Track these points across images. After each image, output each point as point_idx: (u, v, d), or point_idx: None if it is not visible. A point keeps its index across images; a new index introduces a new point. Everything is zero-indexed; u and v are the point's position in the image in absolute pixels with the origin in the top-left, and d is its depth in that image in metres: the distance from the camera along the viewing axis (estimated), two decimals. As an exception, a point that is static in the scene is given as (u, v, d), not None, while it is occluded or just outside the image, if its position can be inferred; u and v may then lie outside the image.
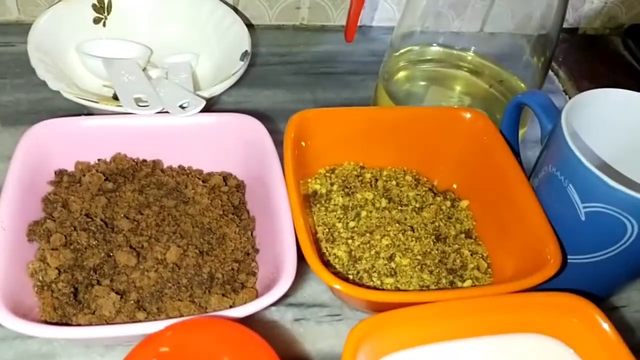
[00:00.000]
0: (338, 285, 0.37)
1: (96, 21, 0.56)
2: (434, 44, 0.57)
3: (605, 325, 0.37)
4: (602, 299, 0.47)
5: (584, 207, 0.40)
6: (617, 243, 0.40)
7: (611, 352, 0.36)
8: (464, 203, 0.49)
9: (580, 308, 0.38)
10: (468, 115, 0.48)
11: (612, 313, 0.47)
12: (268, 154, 0.43)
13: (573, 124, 0.43)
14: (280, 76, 0.62)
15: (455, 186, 0.50)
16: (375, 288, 0.41)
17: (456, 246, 0.45)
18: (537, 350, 0.38)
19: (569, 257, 0.43)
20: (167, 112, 0.43)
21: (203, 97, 0.46)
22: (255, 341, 0.28)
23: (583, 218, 0.40)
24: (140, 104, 0.44)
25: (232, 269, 0.38)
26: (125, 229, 0.39)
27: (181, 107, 0.44)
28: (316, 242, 0.44)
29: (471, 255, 0.45)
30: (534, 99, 0.46)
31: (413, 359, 0.36)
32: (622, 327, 0.46)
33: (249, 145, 0.44)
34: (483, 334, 0.38)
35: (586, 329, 0.37)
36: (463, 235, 0.46)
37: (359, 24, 0.56)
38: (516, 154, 0.49)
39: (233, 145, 0.44)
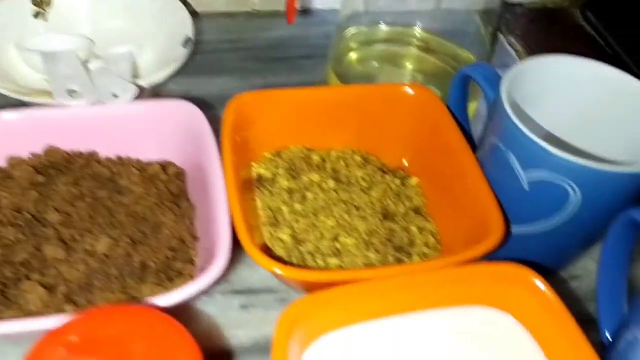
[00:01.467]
0: (276, 267, 0.36)
1: (36, 15, 0.55)
2: (381, 23, 0.56)
3: (550, 294, 0.36)
4: (555, 270, 0.47)
5: (527, 177, 0.39)
6: (561, 211, 0.39)
7: (557, 321, 0.35)
8: (414, 180, 0.48)
9: (523, 277, 0.37)
10: (411, 91, 0.47)
11: (567, 283, 0.47)
12: (206, 140, 0.42)
13: (518, 94, 0.43)
14: (230, 63, 0.61)
15: (405, 164, 0.49)
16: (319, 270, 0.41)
17: (404, 223, 0.44)
18: (482, 322, 0.37)
19: (516, 228, 0.42)
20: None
21: (142, 86, 0.45)
22: (173, 327, 0.27)
23: (526, 188, 0.39)
24: (74, 95, 0.43)
25: (167, 257, 0.37)
26: (55, 222, 0.38)
27: (115, 96, 0.43)
28: (260, 228, 0.43)
29: (419, 232, 0.44)
30: (478, 70, 0.45)
31: (352, 337, 0.35)
32: (579, 297, 0.46)
33: (187, 132, 0.43)
34: (426, 308, 0.37)
35: (531, 298, 0.37)
36: (412, 213, 0.45)
37: (312, 7, 0.55)
38: (464, 128, 0.48)
39: (171, 133, 0.43)
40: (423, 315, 0.37)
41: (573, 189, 0.38)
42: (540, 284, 0.36)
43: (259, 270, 0.44)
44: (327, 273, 0.38)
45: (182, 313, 0.41)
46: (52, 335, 0.26)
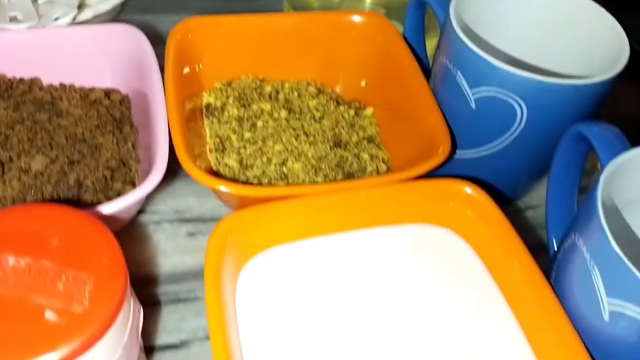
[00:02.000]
0: (219, 185, 0.35)
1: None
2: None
3: (490, 206, 0.36)
4: (512, 200, 0.46)
5: (473, 94, 0.38)
6: (509, 130, 0.38)
7: (497, 232, 0.35)
8: (369, 111, 0.47)
9: (462, 191, 0.36)
10: (364, 19, 0.46)
11: (523, 213, 0.46)
12: (150, 67, 0.41)
13: (470, 17, 0.42)
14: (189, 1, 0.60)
15: (360, 94, 0.48)
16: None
17: (356, 151, 0.44)
18: (424, 239, 0.36)
19: (466, 152, 0.41)
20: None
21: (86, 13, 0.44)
22: (92, 225, 0.27)
23: (474, 106, 0.39)
24: (15, 22, 0.42)
25: (105, 177, 0.37)
26: (-8, 142, 0.37)
27: (57, 19, 0.42)
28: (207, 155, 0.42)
29: (371, 158, 0.43)
30: (429, -8, 0.44)
31: (291, 254, 0.35)
32: (534, 225, 0.45)
33: (132, 59, 0.42)
34: (368, 226, 0.36)
35: (471, 213, 0.36)
36: (365, 142, 0.45)
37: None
38: (419, 56, 0.48)
39: (115, 58, 0.42)
40: (365, 233, 0.36)
41: (519, 104, 0.37)
42: (479, 196, 0.36)
43: (209, 200, 0.44)
44: (269, 189, 0.38)
45: (128, 237, 0.41)
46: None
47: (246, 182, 0.40)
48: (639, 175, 0.32)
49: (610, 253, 0.27)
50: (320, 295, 0.33)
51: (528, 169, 0.42)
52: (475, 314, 0.33)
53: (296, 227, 0.35)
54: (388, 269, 0.35)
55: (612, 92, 0.38)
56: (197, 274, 0.40)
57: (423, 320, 0.33)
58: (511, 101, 0.37)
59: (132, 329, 0.28)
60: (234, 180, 0.40)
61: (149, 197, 0.43)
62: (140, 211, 0.43)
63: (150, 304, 0.38)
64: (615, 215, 0.33)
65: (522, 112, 0.37)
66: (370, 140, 0.45)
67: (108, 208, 0.32)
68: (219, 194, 0.38)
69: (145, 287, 0.39)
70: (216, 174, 0.41)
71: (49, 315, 0.24)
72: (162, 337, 0.37)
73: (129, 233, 0.42)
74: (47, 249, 0.26)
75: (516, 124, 0.38)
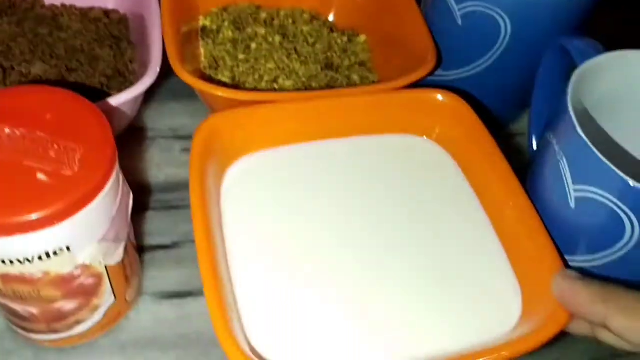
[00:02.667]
0: (201, 85, 0.36)
1: None
2: None
3: (474, 119, 0.37)
4: (504, 125, 0.47)
5: (460, 10, 0.39)
6: (494, 46, 0.39)
7: (478, 144, 0.36)
8: (362, 38, 0.48)
9: (448, 102, 0.37)
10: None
11: (514, 138, 0.47)
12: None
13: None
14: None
15: (354, 22, 0.49)
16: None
17: (347, 73, 0.45)
18: (404, 147, 0.38)
19: (454, 71, 0.42)
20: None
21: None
22: (84, 105, 0.28)
23: (460, 22, 0.40)
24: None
25: (101, 83, 0.38)
26: (-5, 52, 0.39)
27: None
28: (201, 73, 0.43)
29: (361, 80, 0.45)
30: None
31: (276, 158, 0.36)
32: (522, 150, 0.46)
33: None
34: (353, 134, 0.38)
35: (456, 125, 0.37)
36: (357, 66, 0.46)
37: None
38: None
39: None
40: (349, 141, 0.37)
41: (503, 19, 0.38)
42: (463, 108, 0.37)
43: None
44: (254, 93, 0.39)
45: (125, 149, 0.43)
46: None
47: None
48: (606, 78, 0.33)
49: (575, 139, 0.29)
50: (301, 198, 0.35)
51: (515, 87, 0.43)
52: (449, 212, 0.34)
53: (281, 132, 0.36)
54: (368, 174, 0.36)
55: (594, 10, 0.39)
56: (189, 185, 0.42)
57: (400, 220, 0.34)
58: (496, 16, 0.38)
59: (121, 206, 0.29)
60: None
61: (146, 116, 0.45)
62: (137, 128, 0.44)
63: (145, 209, 0.40)
64: (585, 118, 0.34)
65: (506, 26, 0.38)
66: (361, 64, 0.46)
67: (102, 104, 0.34)
68: (208, 102, 0.40)
69: (140, 195, 0.41)
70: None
71: (41, 176, 0.26)
72: (155, 239, 0.39)
73: (125, 146, 0.43)
74: (41, 122, 0.27)
75: (501, 39, 0.39)
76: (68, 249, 0.27)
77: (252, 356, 0.26)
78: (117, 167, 0.28)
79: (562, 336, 0.30)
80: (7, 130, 0.27)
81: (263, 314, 0.30)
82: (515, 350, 0.27)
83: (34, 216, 0.25)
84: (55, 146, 0.26)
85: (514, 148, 0.46)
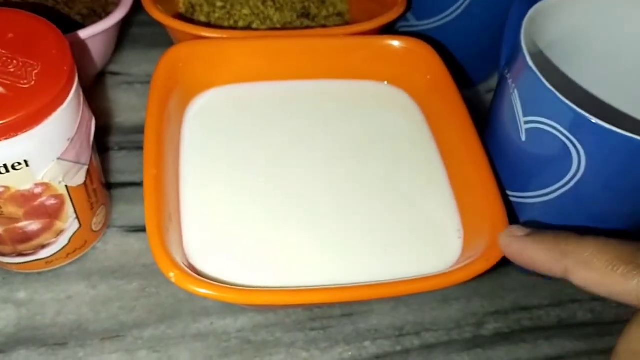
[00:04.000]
0: (167, 19, 0.37)
1: None
2: None
3: (442, 69, 0.37)
4: (475, 83, 0.48)
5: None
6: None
7: (446, 97, 0.36)
8: (341, -11, 0.48)
9: (418, 51, 0.38)
10: None
11: (483, 95, 0.48)
12: None
13: None
14: None
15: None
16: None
17: (323, 22, 0.45)
18: (368, 93, 0.38)
19: (424, 21, 0.43)
20: None
21: None
22: (44, 24, 0.29)
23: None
24: None
25: (76, 21, 0.39)
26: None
27: None
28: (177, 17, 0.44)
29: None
30: None
31: (239, 94, 0.37)
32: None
33: None
34: (320, 77, 0.38)
35: (423, 74, 0.38)
36: (334, 16, 0.46)
37: None
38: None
39: None
40: (313, 83, 0.38)
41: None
42: (429, 53, 0.38)
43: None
44: (223, 31, 0.39)
45: (101, 92, 0.44)
46: None
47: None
48: (563, 18, 0.33)
49: (525, 71, 0.29)
50: (260, 134, 0.35)
51: (485, 37, 0.43)
52: (405, 151, 0.35)
53: (245, 68, 0.37)
54: (327, 115, 0.37)
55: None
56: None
57: (355, 156, 0.35)
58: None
59: (82, 128, 0.30)
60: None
61: (124, 62, 0.46)
62: (115, 73, 0.45)
63: (118, 149, 0.41)
64: (540, 56, 0.34)
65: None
66: (339, 15, 0.47)
67: (72, 35, 0.34)
68: (179, 40, 0.40)
69: (115, 135, 0.42)
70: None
71: (-1, 89, 0.26)
72: (126, 176, 0.40)
73: (103, 90, 0.44)
74: (2, 41, 0.28)
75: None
76: (26, 163, 0.28)
77: (188, 270, 0.27)
78: (75, 86, 0.29)
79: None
80: (-32, 46, 0.28)
81: (209, 237, 0.31)
82: (444, 281, 0.28)
83: (-9, 126, 0.26)
84: (15, 62, 0.27)
85: (482, 104, 0.47)
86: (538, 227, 0.33)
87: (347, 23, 0.46)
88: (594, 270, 0.25)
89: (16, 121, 0.26)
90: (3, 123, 0.26)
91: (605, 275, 0.24)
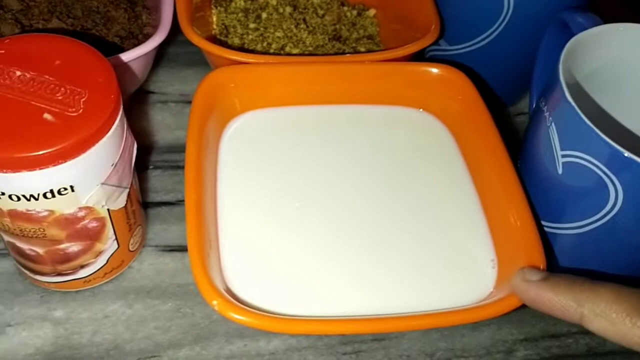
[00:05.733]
0: (207, 45, 0.38)
1: None
2: None
3: (476, 98, 0.37)
4: (505, 104, 0.48)
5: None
6: (497, 20, 0.40)
7: (479, 125, 0.37)
8: (371, 12, 0.49)
9: (452, 78, 0.38)
10: None
11: (513, 118, 0.48)
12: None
13: None
14: None
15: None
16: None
17: (354, 45, 0.46)
18: (402, 119, 0.39)
19: (456, 46, 0.43)
20: None
21: None
22: (90, 51, 0.30)
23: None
24: None
25: (115, 43, 0.40)
26: (15, 10, 0.40)
27: None
28: (212, 39, 0.45)
29: (369, 52, 0.45)
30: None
31: (273, 118, 0.37)
32: (520, 130, 0.47)
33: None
34: (354, 102, 0.39)
35: (455, 99, 0.38)
36: (365, 39, 0.47)
37: None
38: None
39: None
40: (347, 108, 0.39)
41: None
42: (462, 81, 0.38)
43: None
44: (259, 56, 0.40)
45: (137, 111, 0.44)
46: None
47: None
48: (600, 50, 0.34)
49: (564, 104, 0.29)
50: (295, 158, 0.36)
51: (517, 63, 0.43)
52: (438, 181, 0.36)
53: (280, 93, 0.37)
54: (362, 141, 0.37)
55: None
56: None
57: (388, 184, 0.35)
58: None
59: (124, 153, 0.31)
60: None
61: (158, 81, 0.47)
62: (150, 92, 0.46)
63: (153, 168, 0.42)
64: (576, 88, 0.34)
65: (509, 1, 0.39)
66: (369, 37, 0.47)
67: (114, 58, 0.35)
68: (216, 66, 0.41)
69: (150, 154, 0.42)
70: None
71: (48, 117, 0.27)
72: (161, 196, 0.40)
73: (138, 108, 0.45)
74: (50, 67, 0.29)
75: (504, 13, 0.39)
76: (72, 188, 0.28)
77: (229, 297, 0.27)
78: (121, 113, 0.29)
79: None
80: (18, 73, 0.28)
81: (246, 263, 0.31)
82: (477, 315, 0.28)
83: (40, 153, 0.26)
84: (62, 89, 0.28)
85: (514, 127, 0.47)
86: (571, 257, 0.34)
87: (377, 45, 0.46)
88: (610, 321, 0.25)
89: (64, 149, 0.27)
90: (51, 151, 0.26)
91: (622, 326, 0.25)
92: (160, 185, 0.41)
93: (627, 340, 0.25)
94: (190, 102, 0.45)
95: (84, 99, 0.28)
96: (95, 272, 0.34)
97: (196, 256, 0.27)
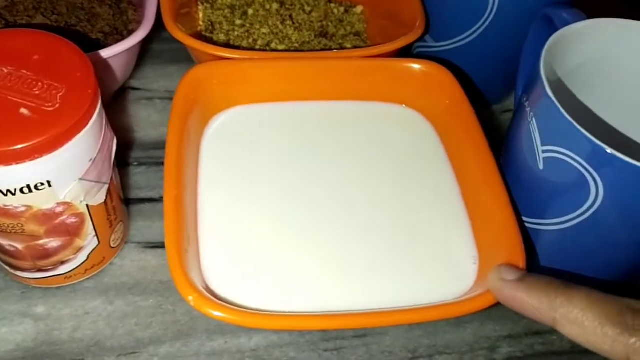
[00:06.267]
0: (189, 40, 0.38)
1: None
2: None
3: (458, 92, 0.37)
4: (490, 103, 0.48)
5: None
6: (482, 17, 0.40)
7: (463, 121, 0.36)
8: (358, 9, 0.49)
9: (437, 75, 0.38)
10: None
11: (497, 115, 0.48)
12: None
13: None
14: None
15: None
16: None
17: (340, 42, 0.46)
18: (386, 115, 0.38)
19: (442, 42, 0.43)
20: None
21: None
22: (69, 46, 0.29)
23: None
24: None
25: (99, 39, 0.40)
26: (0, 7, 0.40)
27: None
28: (197, 35, 0.45)
29: (354, 48, 0.45)
30: None
31: (257, 114, 0.37)
32: (505, 127, 0.47)
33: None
34: (337, 98, 0.39)
35: (441, 97, 0.38)
36: (352, 35, 0.47)
37: None
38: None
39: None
40: (331, 104, 0.38)
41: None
42: (446, 77, 0.38)
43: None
44: (243, 52, 0.39)
45: (121, 108, 0.44)
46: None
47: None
48: (582, 46, 0.34)
49: (544, 100, 0.29)
50: (278, 154, 0.36)
51: (502, 60, 0.43)
52: (421, 176, 0.35)
53: (264, 89, 0.37)
54: (345, 137, 0.37)
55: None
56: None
57: (371, 179, 0.35)
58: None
59: (104, 148, 0.30)
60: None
61: (143, 78, 0.46)
62: (135, 89, 0.46)
63: (137, 164, 0.41)
64: (559, 84, 0.34)
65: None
66: (356, 34, 0.47)
67: (95, 54, 0.35)
68: (199, 59, 0.41)
69: (134, 150, 0.42)
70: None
71: (24, 111, 0.27)
72: (144, 192, 0.40)
73: (123, 105, 0.45)
74: (27, 62, 0.29)
75: (489, 9, 0.39)
76: (49, 183, 0.28)
77: (206, 293, 0.27)
78: (99, 108, 0.29)
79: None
80: (-5, 68, 0.28)
81: (226, 259, 0.31)
82: (458, 310, 0.28)
83: (16, 148, 0.26)
84: (40, 84, 0.28)
85: (498, 125, 0.47)
86: (552, 254, 0.33)
87: (364, 42, 0.46)
88: (583, 327, 0.25)
89: (40, 144, 0.27)
90: (28, 145, 0.26)
91: (594, 334, 0.25)
92: (144, 182, 0.41)
93: (598, 347, 0.25)
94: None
95: (60, 94, 0.28)
96: (76, 268, 0.34)
97: (174, 252, 0.27)
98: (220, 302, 0.27)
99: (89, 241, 0.33)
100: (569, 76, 0.34)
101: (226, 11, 0.46)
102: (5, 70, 0.28)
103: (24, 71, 0.28)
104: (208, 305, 0.26)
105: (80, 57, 0.29)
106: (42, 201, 0.29)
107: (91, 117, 0.28)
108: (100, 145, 0.30)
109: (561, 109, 0.28)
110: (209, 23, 0.45)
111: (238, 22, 0.45)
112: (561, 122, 0.28)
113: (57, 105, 0.27)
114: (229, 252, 0.31)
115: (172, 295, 0.35)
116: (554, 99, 0.29)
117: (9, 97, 0.27)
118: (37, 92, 0.28)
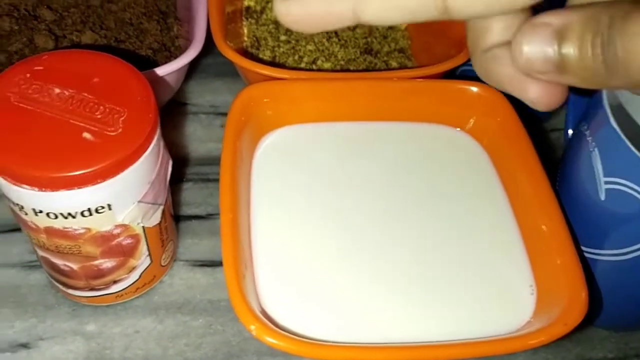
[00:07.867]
0: (240, 60, 0.38)
1: None
2: None
3: (512, 115, 0.37)
4: (540, 120, 0.47)
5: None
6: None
7: (515, 145, 0.36)
8: (402, 25, 0.48)
9: (489, 98, 0.37)
10: None
11: (548, 134, 0.47)
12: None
13: None
14: None
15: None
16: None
17: (385, 59, 0.45)
18: (437, 138, 0.38)
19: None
20: None
21: None
22: (130, 70, 0.29)
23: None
24: None
25: (148, 55, 0.40)
26: (48, 20, 0.40)
27: None
28: (243, 51, 0.45)
29: (399, 66, 0.45)
30: None
31: (307, 134, 0.37)
32: (555, 146, 0.46)
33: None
34: (387, 119, 0.38)
35: (492, 120, 0.37)
36: (396, 52, 0.46)
37: None
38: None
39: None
40: (382, 125, 0.38)
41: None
42: (499, 100, 0.37)
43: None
44: (293, 72, 0.39)
45: (168, 123, 0.44)
46: (21, 64, 0.29)
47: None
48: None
49: (608, 130, 0.29)
50: (329, 175, 0.36)
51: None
52: (474, 203, 0.35)
53: (315, 108, 0.37)
54: (396, 159, 0.37)
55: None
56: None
57: (424, 206, 0.35)
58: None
59: (161, 171, 0.31)
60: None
61: (189, 92, 0.46)
62: (181, 103, 0.46)
63: (183, 181, 0.42)
64: (620, 112, 0.34)
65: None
66: (401, 51, 0.47)
67: (148, 73, 0.35)
68: (249, 80, 0.41)
69: (180, 167, 0.42)
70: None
71: (87, 135, 0.27)
72: (191, 209, 0.40)
73: (168, 120, 0.45)
74: (88, 85, 0.29)
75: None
76: (109, 207, 0.28)
77: (264, 318, 0.27)
78: (158, 132, 0.29)
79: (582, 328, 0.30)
80: (57, 90, 0.28)
81: (280, 283, 0.31)
82: (519, 345, 0.28)
83: (80, 173, 0.26)
84: (101, 108, 0.28)
85: (549, 144, 0.46)
86: (607, 283, 0.33)
87: (409, 59, 0.46)
88: None
89: (103, 169, 0.27)
90: (91, 171, 0.26)
91: None
92: (191, 199, 0.41)
93: None
94: (221, 113, 0.46)
95: (122, 118, 0.28)
96: (128, 287, 0.34)
97: (233, 280, 0.27)
98: (280, 331, 0.26)
99: (142, 261, 0.33)
100: (630, 102, 0.34)
101: (271, 27, 0.46)
102: (67, 93, 0.28)
103: (85, 94, 0.28)
104: (269, 335, 0.26)
105: (140, 80, 0.30)
106: (101, 224, 0.29)
107: (152, 141, 0.28)
108: (158, 167, 0.30)
109: (626, 140, 0.28)
110: (254, 39, 0.45)
111: (283, 37, 0.45)
112: (626, 154, 0.28)
113: (120, 130, 0.27)
114: (284, 275, 0.31)
115: (222, 316, 0.35)
116: (618, 130, 0.28)
117: (71, 121, 0.27)
118: (99, 116, 0.28)
